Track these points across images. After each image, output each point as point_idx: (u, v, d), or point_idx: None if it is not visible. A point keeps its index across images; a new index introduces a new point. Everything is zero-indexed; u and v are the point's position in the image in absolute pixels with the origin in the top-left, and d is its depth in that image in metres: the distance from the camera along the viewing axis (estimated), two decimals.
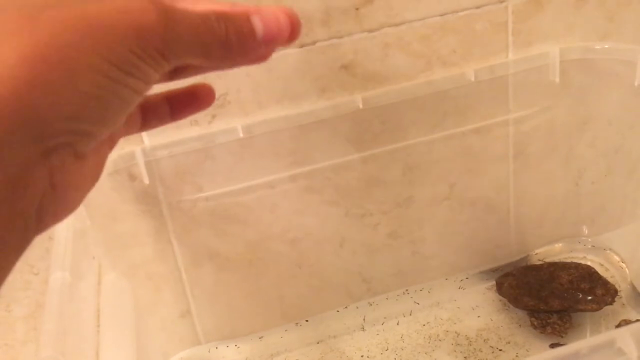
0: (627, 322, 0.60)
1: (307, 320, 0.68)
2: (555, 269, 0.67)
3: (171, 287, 0.64)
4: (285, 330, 0.68)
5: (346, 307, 0.69)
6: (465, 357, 0.62)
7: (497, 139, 0.66)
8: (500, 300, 0.67)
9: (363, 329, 0.67)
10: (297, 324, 0.68)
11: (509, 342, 0.63)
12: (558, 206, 0.71)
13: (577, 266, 0.67)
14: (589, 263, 0.68)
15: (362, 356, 0.64)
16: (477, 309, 0.67)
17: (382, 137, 0.63)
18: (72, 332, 0.37)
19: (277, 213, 0.64)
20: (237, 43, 0.25)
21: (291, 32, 0.27)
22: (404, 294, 0.70)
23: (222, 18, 0.25)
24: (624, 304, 0.64)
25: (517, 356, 0.61)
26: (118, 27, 0.21)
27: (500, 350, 0.62)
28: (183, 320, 0.65)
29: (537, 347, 0.62)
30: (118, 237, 0.57)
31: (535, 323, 0.63)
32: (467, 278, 0.70)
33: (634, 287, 0.64)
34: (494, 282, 0.69)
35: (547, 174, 0.69)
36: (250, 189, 0.62)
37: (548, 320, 0.63)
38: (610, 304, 0.62)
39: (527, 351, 0.61)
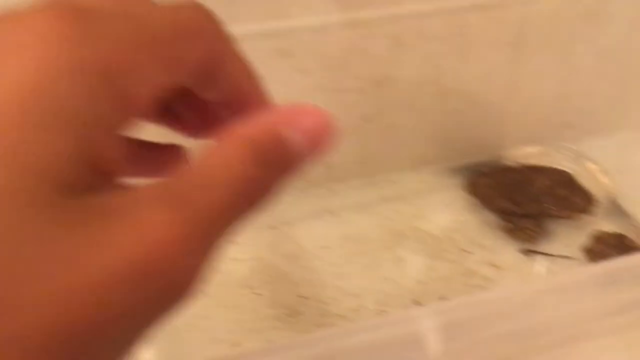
0: (602, 233, 0.57)
1: None
2: (532, 172, 0.63)
3: None
4: None
5: (305, 192, 0.62)
6: (430, 257, 0.57)
7: (498, 20, 0.58)
8: (470, 200, 0.62)
9: (321, 217, 0.61)
10: None
11: (477, 245, 0.58)
12: (544, 106, 0.65)
13: (556, 171, 0.63)
14: (566, 170, 0.64)
15: (319, 246, 0.58)
16: (446, 207, 0.62)
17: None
18: None
19: None
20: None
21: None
22: (369, 183, 0.63)
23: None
24: (598, 215, 0.60)
25: (485, 259, 0.57)
26: None
27: (468, 252, 0.58)
28: None
29: (507, 251, 0.58)
30: None
31: (507, 227, 0.59)
32: (439, 173, 0.65)
33: (611, 198, 0.61)
34: (465, 180, 0.63)
35: (540, 68, 0.63)
36: None
37: (520, 225, 0.59)
38: (588, 213, 0.59)
39: (496, 255, 0.57)
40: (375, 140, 0.62)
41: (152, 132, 0.24)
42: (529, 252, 0.57)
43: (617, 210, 0.60)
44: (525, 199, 0.60)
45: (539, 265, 0.56)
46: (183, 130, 0.25)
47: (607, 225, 0.59)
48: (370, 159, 0.63)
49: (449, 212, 0.62)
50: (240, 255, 0.57)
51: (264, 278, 0.56)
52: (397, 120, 0.61)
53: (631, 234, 0.56)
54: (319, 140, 0.20)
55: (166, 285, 0.16)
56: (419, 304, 0.53)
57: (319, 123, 0.20)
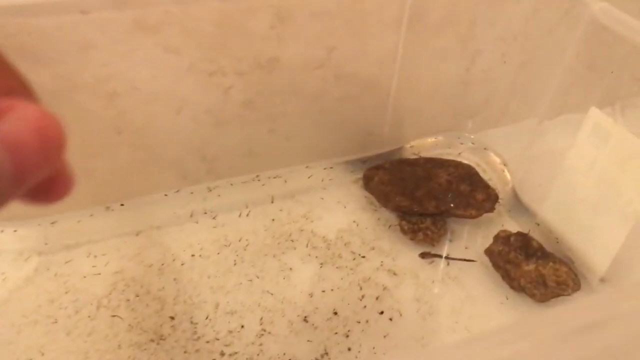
0: (505, 234, 0.52)
1: (122, 204, 0.52)
2: (433, 165, 0.57)
3: None
4: (91, 215, 0.51)
5: (177, 191, 0.53)
6: (321, 264, 0.50)
7: None
8: (366, 198, 0.56)
9: (197, 220, 0.53)
10: (108, 207, 0.51)
11: (373, 248, 0.52)
12: (443, 93, 0.60)
13: (458, 165, 0.58)
14: (466, 162, 0.59)
15: (192, 255, 0.50)
16: (340, 206, 0.56)
17: None
18: None
19: (90, 53, 0.44)
20: None
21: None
22: (253, 180, 0.56)
23: None
24: (501, 213, 0.56)
25: (381, 265, 0.51)
26: None
27: (362, 257, 0.51)
28: None
29: (406, 255, 0.52)
30: None
31: (406, 227, 0.53)
32: (331, 168, 0.58)
33: (515, 194, 0.57)
34: (361, 176, 0.57)
35: (440, 53, 0.57)
36: (51, 10, 0.41)
37: (420, 225, 0.53)
38: (490, 211, 0.54)
39: (394, 260, 0.51)
40: (258, 131, 0.54)
41: None
42: (429, 256, 0.52)
43: (520, 207, 0.55)
44: (426, 196, 0.54)
45: (439, 270, 0.51)
46: None
47: (511, 224, 0.55)
48: (253, 153, 0.55)
49: (342, 212, 0.55)
50: (96, 269, 0.48)
51: (125, 296, 0.47)
52: (283, 108, 0.54)
53: (535, 234, 0.52)
54: (26, 152, 0.14)
55: None
56: (308, 322, 0.46)
57: (28, 127, 0.13)
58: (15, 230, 0.48)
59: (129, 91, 0.48)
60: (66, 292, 0.46)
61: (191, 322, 0.45)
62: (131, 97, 0.48)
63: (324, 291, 0.48)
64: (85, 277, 0.47)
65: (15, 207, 0.48)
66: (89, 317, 0.45)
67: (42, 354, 0.42)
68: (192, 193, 0.54)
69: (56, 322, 0.44)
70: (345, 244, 0.52)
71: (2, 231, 0.48)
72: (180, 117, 0.51)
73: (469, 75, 0.60)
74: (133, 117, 0.49)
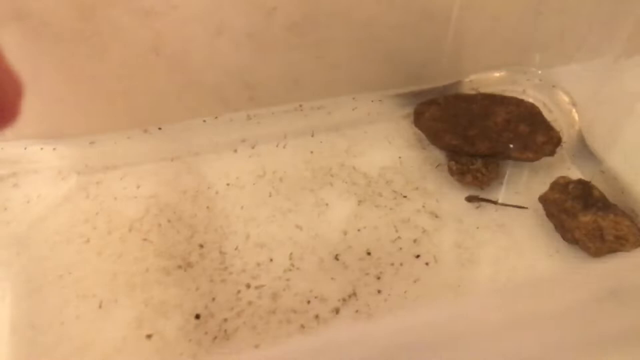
0: (564, 180, 0.47)
1: (160, 128, 0.51)
2: (491, 102, 0.52)
3: None
4: (128, 138, 0.50)
5: (216, 118, 0.52)
6: (359, 201, 0.48)
7: None
8: (415, 135, 0.53)
9: (235, 149, 0.51)
10: (145, 130, 0.51)
11: (417, 188, 0.49)
12: (511, 23, 0.54)
13: (519, 103, 0.52)
14: (530, 100, 0.54)
15: (227, 184, 0.49)
16: (386, 142, 0.52)
17: None
18: None
19: None
20: None
21: None
22: (295, 110, 0.53)
23: None
24: (563, 158, 0.51)
25: (423, 206, 0.48)
26: None
27: (404, 197, 0.48)
28: None
29: (451, 198, 0.48)
30: None
31: (454, 168, 0.50)
32: (380, 101, 0.54)
33: (581, 138, 0.51)
34: (412, 111, 0.53)
35: None
36: None
37: (470, 167, 0.49)
38: (551, 155, 0.49)
39: (437, 202, 0.48)
40: (304, 58, 0.51)
41: None
42: (476, 200, 0.48)
43: (585, 152, 0.50)
44: (480, 136, 0.50)
45: (486, 216, 0.47)
46: None
47: (573, 170, 0.50)
48: (299, 82, 0.52)
49: (388, 147, 0.52)
50: (130, 192, 0.48)
51: (157, 221, 0.46)
52: (331, 34, 0.50)
53: (598, 183, 0.47)
54: None
55: None
56: (339, 261, 0.44)
57: None
58: (54, 149, 0.49)
59: (167, 10, 0.45)
60: (100, 213, 0.46)
61: (220, 252, 0.44)
62: (170, 16, 0.46)
63: (359, 230, 0.46)
64: (119, 199, 0.47)
65: (54, 124, 0.47)
66: (120, 239, 0.45)
67: (70, 273, 0.42)
68: (231, 120, 0.52)
69: (88, 242, 0.44)
70: (387, 182, 0.49)
71: (42, 149, 0.48)
72: (220, 40, 0.48)
73: (541, 2, 0.54)
74: (171, 37, 0.47)
